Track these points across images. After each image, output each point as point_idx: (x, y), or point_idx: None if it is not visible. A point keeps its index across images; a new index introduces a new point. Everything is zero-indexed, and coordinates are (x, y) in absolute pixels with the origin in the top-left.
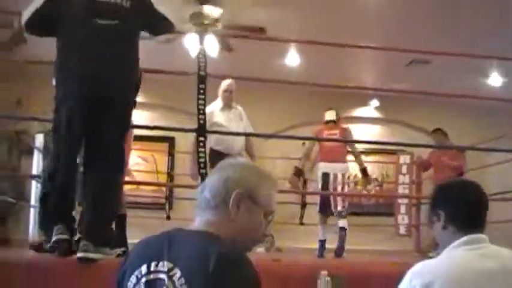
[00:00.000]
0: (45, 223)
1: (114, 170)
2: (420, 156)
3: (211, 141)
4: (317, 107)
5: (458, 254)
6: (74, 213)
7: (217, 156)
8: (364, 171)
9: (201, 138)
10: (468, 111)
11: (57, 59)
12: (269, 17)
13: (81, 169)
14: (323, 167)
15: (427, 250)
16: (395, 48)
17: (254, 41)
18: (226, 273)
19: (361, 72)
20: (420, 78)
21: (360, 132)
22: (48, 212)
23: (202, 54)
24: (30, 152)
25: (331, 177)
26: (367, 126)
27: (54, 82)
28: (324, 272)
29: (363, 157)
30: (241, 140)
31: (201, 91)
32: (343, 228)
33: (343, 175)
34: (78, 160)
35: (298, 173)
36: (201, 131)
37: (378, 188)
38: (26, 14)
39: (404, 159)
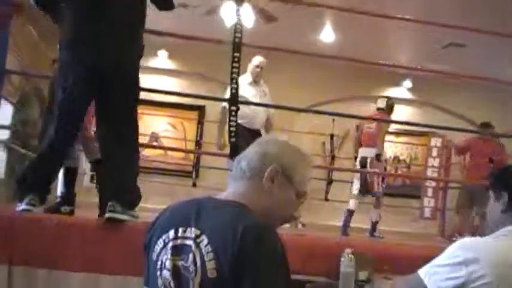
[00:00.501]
0: (21, 188)
1: (130, 129)
2: (451, 140)
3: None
4: (349, 84)
5: (509, 238)
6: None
7: (238, 129)
8: (377, 157)
9: (233, 108)
10: (502, 97)
11: (61, 27)
12: None
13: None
14: (362, 151)
15: (451, 235)
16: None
17: (290, 14)
18: (253, 245)
19: (396, 53)
20: (456, 62)
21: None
22: (25, 178)
23: (239, 23)
24: None
25: (369, 160)
26: (398, 107)
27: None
28: (348, 250)
29: (393, 138)
30: (263, 115)
31: (235, 59)
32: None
33: (371, 159)
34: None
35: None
36: (234, 100)
37: (405, 169)
38: None
39: (435, 141)
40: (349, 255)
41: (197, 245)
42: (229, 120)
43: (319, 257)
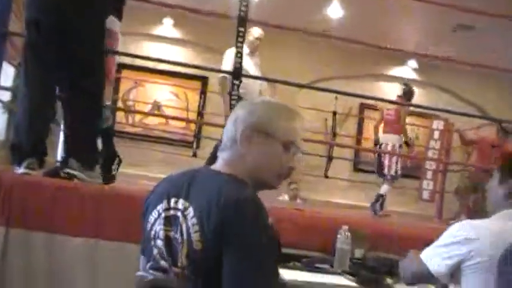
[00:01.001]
0: (18, 152)
1: (93, 85)
2: (453, 124)
3: (230, 83)
4: (353, 62)
5: (506, 221)
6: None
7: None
8: (406, 143)
9: (236, 82)
10: (510, 84)
11: None
12: None
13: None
14: (382, 137)
15: (451, 218)
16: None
17: None
18: (233, 216)
19: (404, 32)
20: (464, 45)
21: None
22: (21, 142)
23: None
24: None
25: (389, 147)
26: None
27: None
28: (345, 227)
29: None
30: (258, 85)
31: (240, 34)
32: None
33: (393, 145)
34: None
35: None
36: (237, 74)
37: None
38: None
39: (437, 124)
40: (346, 232)
41: (184, 217)
42: (231, 94)
43: (316, 232)
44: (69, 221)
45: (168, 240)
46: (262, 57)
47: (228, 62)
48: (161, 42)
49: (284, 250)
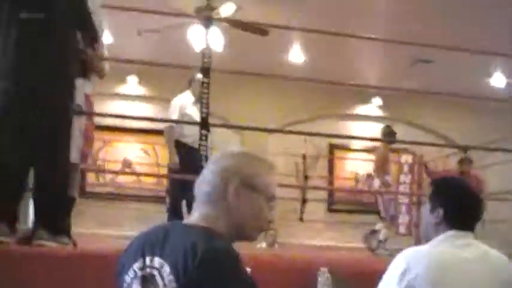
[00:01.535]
0: None
1: (60, 152)
2: (422, 156)
3: (176, 132)
4: (320, 103)
5: (442, 245)
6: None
7: (182, 148)
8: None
9: (204, 132)
10: (471, 110)
11: None
12: (275, 12)
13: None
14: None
15: None
16: (399, 41)
17: (259, 38)
18: (210, 270)
19: (365, 71)
20: (424, 78)
21: (362, 130)
22: None
23: (207, 47)
24: None
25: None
26: (369, 124)
27: None
28: (324, 269)
29: (366, 155)
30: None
31: (205, 85)
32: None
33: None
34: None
35: None
36: (205, 124)
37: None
38: None
39: (406, 158)
40: (326, 274)
41: (161, 275)
42: (200, 145)
43: (296, 276)
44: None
45: None
46: (229, 105)
47: (175, 110)
48: (127, 100)
49: None
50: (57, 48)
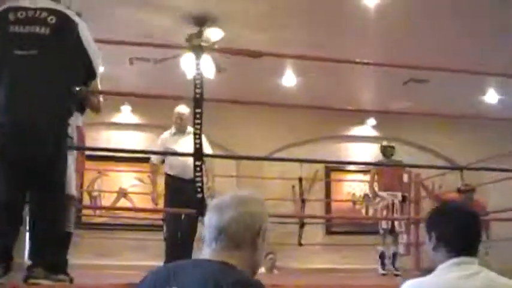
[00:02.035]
0: None
1: (56, 189)
2: (419, 174)
3: (166, 165)
4: (314, 126)
5: (446, 274)
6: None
7: (171, 180)
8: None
9: (198, 163)
10: (467, 127)
11: None
12: (265, 36)
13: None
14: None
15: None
16: (392, 64)
17: (251, 62)
18: None
19: (358, 91)
20: (418, 96)
21: (357, 151)
22: None
23: (199, 77)
24: None
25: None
26: (364, 145)
27: None
28: None
29: (362, 176)
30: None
31: (197, 116)
32: None
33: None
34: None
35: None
36: (198, 155)
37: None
38: None
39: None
40: None
41: None
42: (195, 176)
43: None
44: None
45: None
46: (223, 130)
47: (159, 146)
48: (121, 129)
49: None
50: (50, 84)
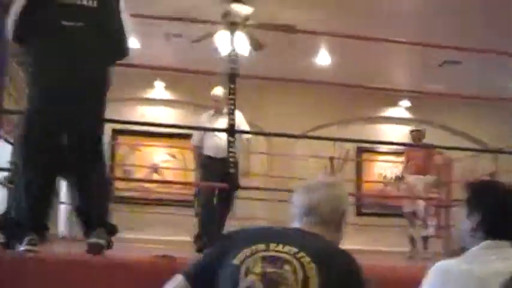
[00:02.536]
0: (15, 230)
1: (101, 161)
2: (449, 158)
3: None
4: (347, 106)
5: (479, 257)
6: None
7: (206, 160)
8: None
9: (231, 139)
10: (502, 112)
11: (32, 66)
12: (300, 15)
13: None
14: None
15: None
16: (427, 44)
17: (285, 41)
18: (355, 266)
19: (392, 73)
20: (452, 79)
21: (390, 132)
22: (22, 220)
23: (234, 53)
24: None
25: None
26: (397, 127)
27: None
28: None
29: (394, 158)
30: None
31: (232, 91)
32: None
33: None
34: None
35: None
36: (232, 131)
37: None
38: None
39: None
40: None
41: (298, 259)
42: (229, 152)
43: None
44: None
45: (266, 276)
46: (256, 110)
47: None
48: (154, 105)
49: None
50: (95, 57)
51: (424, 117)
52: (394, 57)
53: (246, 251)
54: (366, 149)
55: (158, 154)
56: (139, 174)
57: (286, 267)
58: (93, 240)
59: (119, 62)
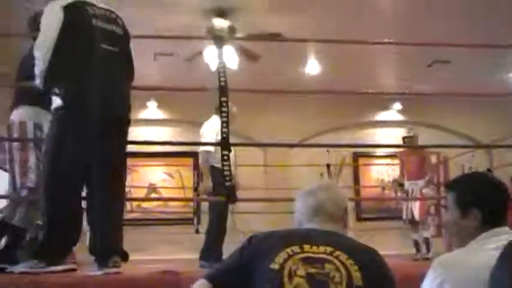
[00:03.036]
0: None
1: (121, 186)
2: (445, 157)
3: (212, 157)
4: (340, 113)
5: (482, 246)
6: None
7: (217, 174)
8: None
9: (225, 152)
10: (492, 107)
11: (69, 84)
12: (285, 23)
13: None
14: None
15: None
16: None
17: (274, 51)
18: (387, 268)
19: (382, 76)
20: (442, 79)
21: (383, 136)
22: (54, 243)
23: (222, 66)
24: None
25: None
26: (390, 129)
27: (55, 103)
28: None
29: (390, 161)
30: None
31: (223, 104)
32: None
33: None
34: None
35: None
36: (226, 144)
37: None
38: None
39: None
40: None
41: (336, 257)
42: (223, 165)
43: None
44: None
45: (311, 277)
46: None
47: (211, 135)
48: (148, 125)
49: None
50: (125, 81)
51: (416, 118)
52: (383, 62)
53: (283, 255)
54: (362, 154)
55: (155, 174)
56: (138, 194)
57: (329, 266)
58: (112, 270)
59: None
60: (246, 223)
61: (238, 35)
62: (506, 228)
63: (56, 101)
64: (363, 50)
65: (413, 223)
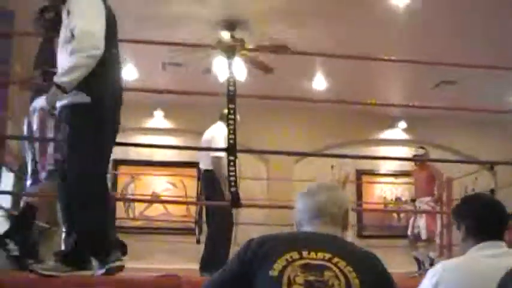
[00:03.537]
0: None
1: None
2: (450, 178)
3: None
4: (345, 130)
5: (477, 252)
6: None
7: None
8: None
9: (231, 158)
10: (497, 129)
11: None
12: (294, 36)
13: None
14: None
15: None
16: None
17: (282, 64)
18: (386, 272)
19: (389, 95)
20: (447, 100)
21: (388, 154)
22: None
23: (231, 76)
24: None
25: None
26: (395, 148)
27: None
28: None
29: (393, 179)
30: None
31: (231, 111)
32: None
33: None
34: None
35: None
36: (232, 150)
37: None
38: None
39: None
40: None
41: (334, 264)
42: (229, 171)
43: None
44: None
45: (309, 284)
46: (254, 135)
47: (220, 141)
48: (154, 134)
49: None
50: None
51: (422, 138)
52: (390, 78)
53: (281, 261)
54: (365, 172)
55: (159, 183)
56: (141, 203)
57: (328, 274)
58: (117, 264)
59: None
60: (247, 236)
61: (249, 46)
62: (501, 243)
63: (79, 96)
64: (371, 69)
65: (416, 240)
